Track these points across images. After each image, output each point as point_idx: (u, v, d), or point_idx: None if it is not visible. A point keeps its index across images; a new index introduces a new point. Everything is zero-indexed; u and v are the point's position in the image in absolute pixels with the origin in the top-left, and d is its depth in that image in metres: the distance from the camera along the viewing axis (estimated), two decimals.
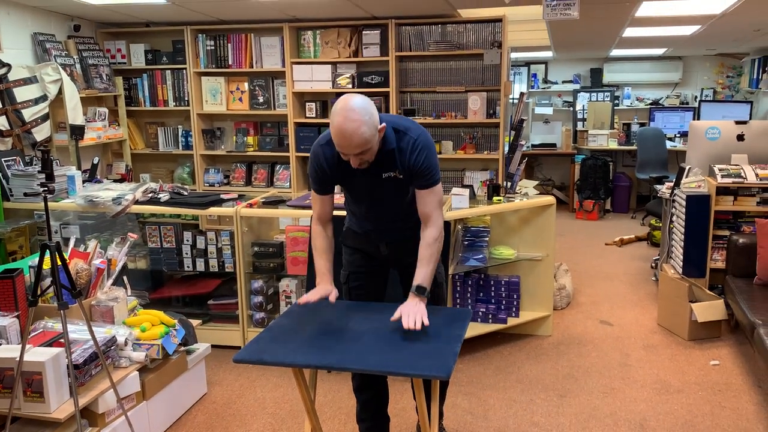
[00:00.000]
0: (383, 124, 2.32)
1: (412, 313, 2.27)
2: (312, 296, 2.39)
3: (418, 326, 2.22)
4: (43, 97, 4.64)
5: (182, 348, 3.27)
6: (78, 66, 5.18)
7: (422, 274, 2.41)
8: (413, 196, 2.49)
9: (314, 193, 2.56)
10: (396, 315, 2.29)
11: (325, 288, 2.44)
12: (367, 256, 2.70)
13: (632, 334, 4.27)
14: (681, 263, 4.32)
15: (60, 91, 4.74)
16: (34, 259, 3.14)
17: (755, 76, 7.59)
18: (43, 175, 2.57)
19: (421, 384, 2.21)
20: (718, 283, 4.35)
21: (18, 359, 2.49)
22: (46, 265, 2.67)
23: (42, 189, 2.48)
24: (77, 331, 2.85)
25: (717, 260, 4.34)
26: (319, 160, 2.46)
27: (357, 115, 2.19)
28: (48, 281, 2.89)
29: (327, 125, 5.54)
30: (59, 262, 2.55)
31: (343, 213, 2.74)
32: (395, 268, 2.75)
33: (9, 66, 4.45)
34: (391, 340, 2.19)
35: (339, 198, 2.66)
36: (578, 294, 5.07)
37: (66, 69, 4.86)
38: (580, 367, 3.77)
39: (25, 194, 2.66)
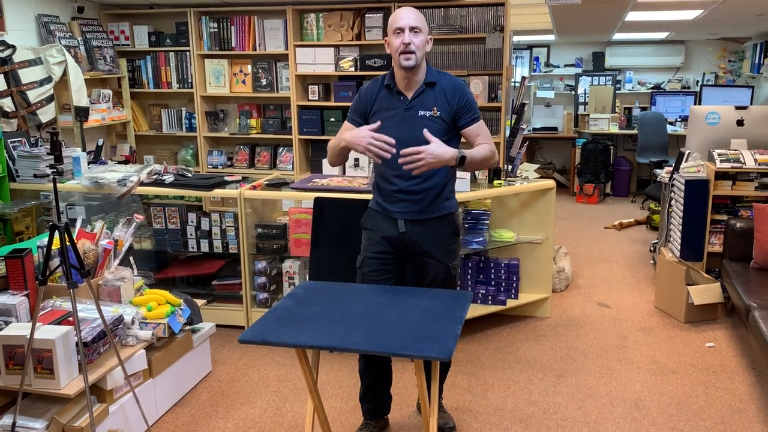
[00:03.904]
0: (431, 37, 2.62)
1: (429, 152, 2.36)
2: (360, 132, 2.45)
3: (418, 165, 2.36)
4: (48, 79, 4.67)
5: (188, 327, 3.34)
6: (82, 48, 5.20)
7: (468, 150, 2.53)
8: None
9: (347, 123, 2.72)
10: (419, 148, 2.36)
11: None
12: (385, 240, 2.69)
13: (629, 316, 4.34)
14: (679, 247, 4.37)
15: (64, 73, 4.76)
16: (42, 239, 3.19)
17: (757, 61, 7.59)
18: (52, 157, 2.61)
19: (421, 364, 2.26)
20: (715, 266, 4.40)
21: (29, 337, 2.55)
22: (55, 245, 2.72)
23: (51, 170, 2.53)
24: (85, 310, 2.91)
25: (714, 244, 4.39)
26: (366, 88, 2.70)
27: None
28: (56, 261, 2.94)
29: (330, 108, 5.62)
30: (68, 242, 2.61)
31: (368, 197, 2.81)
32: (410, 260, 2.74)
33: (14, 47, 4.48)
34: (393, 321, 2.24)
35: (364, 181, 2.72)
36: (577, 277, 5.13)
37: (70, 51, 4.89)
38: (577, 349, 3.84)
39: (35, 176, 2.71)
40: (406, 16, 2.52)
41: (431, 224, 2.65)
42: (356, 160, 4.43)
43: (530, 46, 9.09)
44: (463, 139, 2.69)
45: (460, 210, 4.01)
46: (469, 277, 4.15)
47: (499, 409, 3.18)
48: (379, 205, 2.72)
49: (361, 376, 2.88)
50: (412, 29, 2.50)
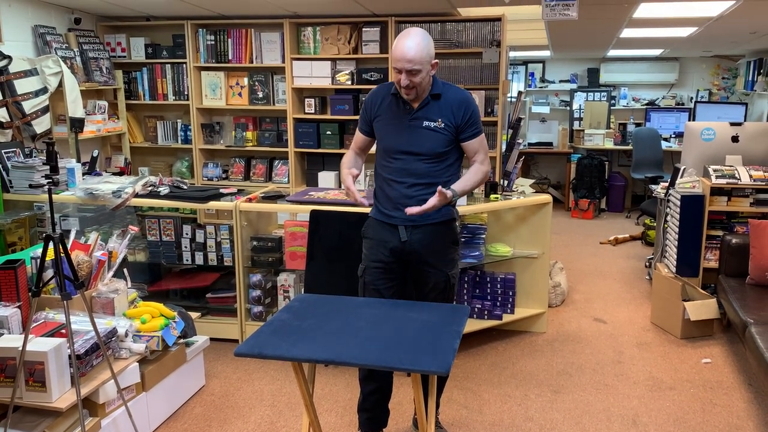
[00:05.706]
0: (436, 61, 2.58)
1: (426, 210, 2.50)
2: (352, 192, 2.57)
3: (415, 212, 2.49)
4: (44, 90, 4.66)
5: (181, 340, 3.31)
6: (78, 59, 5.19)
7: (460, 182, 2.61)
8: (443, 161, 2.65)
9: (357, 131, 2.82)
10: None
11: (353, 193, 2.58)
12: (386, 250, 2.69)
13: (626, 331, 4.32)
14: (675, 262, 4.37)
15: (60, 84, 4.75)
16: (36, 251, 3.17)
17: (750, 78, 7.65)
18: (47, 168, 2.59)
19: (419, 378, 2.24)
20: (711, 282, 4.40)
21: (20, 349, 2.52)
22: (49, 256, 2.70)
23: (47, 181, 2.51)
24: (78, 322, 2.88)
25: (710, 260, 4.40)
26: (370, 96, 2.74)
27: (418, 31, 2.51)
28: (50, 272, 2.91)
29: (326, 121, 5.62)
30: (62, 254, 2.58)
31: (364, 210, 2.81)
32: (410, 269, 2.74)
33: (10, 58, 4.46)
34: (391, 335, 2.22)
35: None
36: (573, 292, 5.12)
37: (66, 62, 4.88)
38: (573, 364, 3.82)
39: (30, 186, 2.68)
40: (404, 56, 2.45)
41: (431, 231, 2.66)
42: None
43: (526, 62, 9.14)
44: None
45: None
46: (465, 291, 4.13)
47: (496, 424, 3.15)
48: (380, 213, 2.73)
49: (361, 384, 2.84)
50: (410, 72, 2.48)
